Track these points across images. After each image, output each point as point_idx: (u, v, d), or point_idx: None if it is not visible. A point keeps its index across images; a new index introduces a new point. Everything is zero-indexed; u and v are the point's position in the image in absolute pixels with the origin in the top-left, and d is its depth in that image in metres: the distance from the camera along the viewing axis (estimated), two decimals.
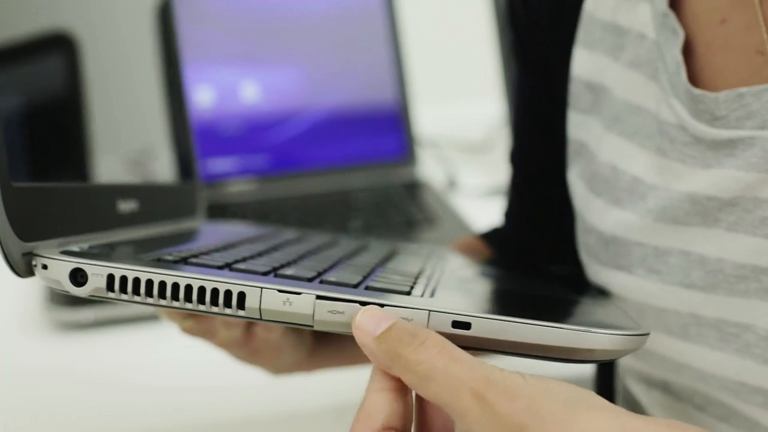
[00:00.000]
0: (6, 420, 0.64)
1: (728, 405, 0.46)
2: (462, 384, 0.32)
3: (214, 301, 0.37)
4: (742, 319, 0.44)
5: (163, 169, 0.56)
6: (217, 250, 0.44)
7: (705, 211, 0.44)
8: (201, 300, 0.37)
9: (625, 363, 0.57)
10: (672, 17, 0.46)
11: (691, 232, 0.45)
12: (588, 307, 0.45)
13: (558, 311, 0.43)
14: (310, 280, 0.38)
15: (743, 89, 0.43)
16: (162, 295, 0.37)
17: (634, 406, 0.56)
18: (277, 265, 0.41)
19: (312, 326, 0.37)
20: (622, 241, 0.49)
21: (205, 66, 1.02)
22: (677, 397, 0.50)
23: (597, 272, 0.52)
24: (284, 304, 0.37)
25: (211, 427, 0.66)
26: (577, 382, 0.65)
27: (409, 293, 0.38)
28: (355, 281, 0.39)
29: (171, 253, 0.40)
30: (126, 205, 0.47)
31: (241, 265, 0.39)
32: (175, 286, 0.37)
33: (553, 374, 0.34)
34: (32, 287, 0.81)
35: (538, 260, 0.62)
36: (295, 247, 0.50)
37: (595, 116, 0.52)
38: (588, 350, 0.35)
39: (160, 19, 0.57)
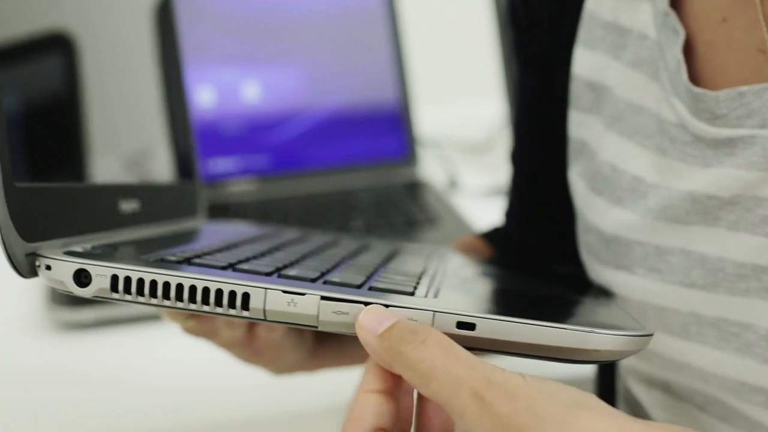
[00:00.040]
0: (7, 419, 0.64)
1: (729, 405, 0.46)
2: (462, 383, 0.32)
3: (218, 302, 0.37)
4: (743, 318, 0.44)
5: (163, 169, 0.56)
6: (219, 250, 0.44)
7: (705, 210, 0.44)
8: (205, 301, 0.37)
9: (626, 363, 0.57)
10: (673, 16, 0.46)
11: (691, 231, 0.45)
12: (592, 308, 0.45)
13: (562, 312, 0.43)
14: (313, 280, 0.38)
15: (744, 88, 0.43)
16: (166, 295, 0.37)
17: (635, 407, 0.56)
18: (280, 265, 0.41)
19: (316, 327, 0.37)
20: (623, 240, 0.49)
21: (206, 66, 1.02)
22: (678, 396, 0.50)
23: (597, 271, 0.52)
24: (288, 304, 0.36)
25: (212, 428, 0.66)
26: (579, 382, 0.65)
27: (412, 294, 0.38)
28: (358, 282, 0.39)
29: (174, 254, 0.40)
30: (128, 205, 0.47)
31: (245, 266, 0.39)
32: (179, 286, 0.37)
33: (554, 374, 0.34)
34: (33, 287, 0.81)
35: (539, 260, 0.62)
36: (297, 246, 0.50)
37: (596, 115, 0.52)
38: (592, 351, 0.35)
39: (158, 19, 0.57)
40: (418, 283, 0.41)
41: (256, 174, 1.03)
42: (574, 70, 0.53)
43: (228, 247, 0.45)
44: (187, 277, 0.37)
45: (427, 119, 1.19)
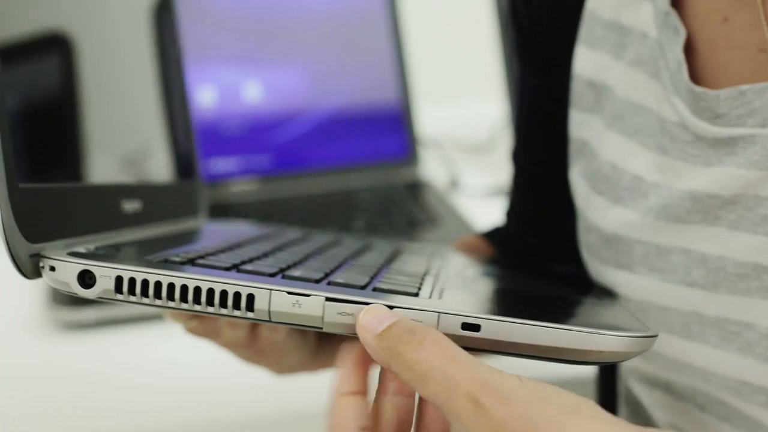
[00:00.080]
0: (8, 419, 0.64)
1: (730, 404, 0.46)
2: (458, 386, 0.32)
3: (223, 303, 0.37)
4: (744, 318, 0.44)
5: (163, 168, 0.56)
6: (222, 250, 0.44)
7: (706, 209, 0.44)
8: (209, 302, 0.37)
9: (626, 363, 0.56)
10: (674, 16, 0.46)
11: (692, 230, 0.45)
12: (595, 309, 0.45)
13: (565, 313, 0.43)
14: (317, 281, 0.38)
15: (745, 87, 0.43)
16: (170, 297, 0.37)
17: (636, 407, 0.56)
18: (283, 266, 0.40)
19: (321, 328, 0.37)
20: (624, 239, 0.49)
21: (207, 66, 1.02)
22: (679, 396, 0.50)
23: (598, 271, 0.52)
24: (293, 306, 0.36)
25: (213, 428, 0.66)
26: (580, 382, 0.65)
27: (417, 294, 0.38)
28: (362, 282, 0.39)
29: (178, 254, 0.40)
30: (130, 205, 0.47)
31: (249, 266, 0.39)
32: (184, 287, 0.37)
33: (555, 375, 0.34)
34: (34, 287, 0.81)
35: (540, 259, 0.62)
36: (300, 246, 0.50)
37: (597, 115, 0.52)
38: (597, 352, 0.35)
39: (157, 19, 0.57)
40: (421, 284, 0.41)
41: (257, 174, 1.03)
42: (575, 70, 0.53)
43: (231, 248, 0.45)
44: (191, 278, 0.37)
45: (428, 119, 1.19)
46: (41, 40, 0.42)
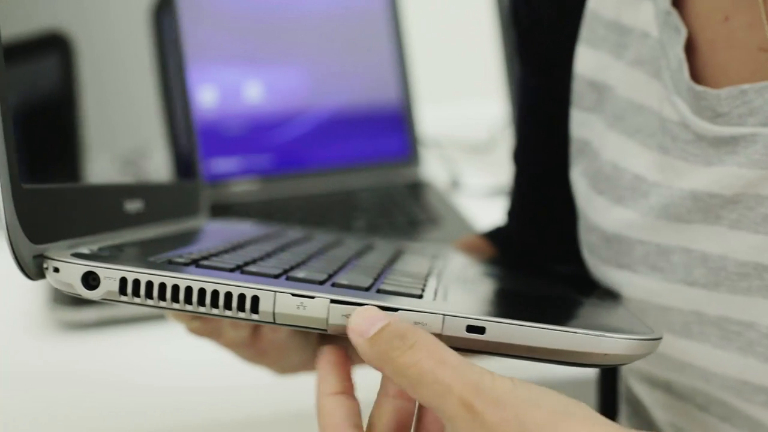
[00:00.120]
0: (8, 419, 0.64)
1: (730, 404, 0.46)
2: (450, 390, 0.32)
3: (227, 305, 0.37)
4: (745, 317, 0.43)
5: (163, 168, 0.56)
6: (226, 251, 0.44)
7: (707, 208, 0.44)
8: (214, 304, 0.37)
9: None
10: (675, 15, 0.46)
11: (693, 229, 0.45)
12: (599, 311, 0.45)
13: (570, 315, 0.43)
14: (321, 282, 0.38)
15: (746, 86, 0.42)
16: (174, 298, 0.37)
17: (636, 407, 0.56)
18: (287, 267, 0.40)
19: (326, 330, 0.36)
20: (625, 239, 0.49)
21: (208, 66, 1.02)
22: (679, 396, 0.50)
23: (599, 271, 0.52)
24: (298, 308, 0.36)
25: (214, 428, 0.66)
26: (581, 383, 0.65)
27: (421, 296, 0.38)
28: (366, 284, 0.38)
29: (181, 255, 0.40)
30: (132, 205, 0.47)
31: (253, 268, 0.39)
32: (188, 289, 0.37)
33: (556, 375, 0.34)
34: (35, 286, 0.81)
35: (541, 259, 0.62)
36: (302, 246, 0.50)
37: (598, 114, 0.52)
38: (602, 355, 0.35)
39: (156, 18, 0.57)
40: (425, 285, 0.41)
41: (258, 174, 1.03)
42: (576, 70, 0.53)
43: (234, 248, 0.45)
44: (195, 280, 0.37)
45: (429, 119, 1.19)
46: (40, 40, 0.42)
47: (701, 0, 0.46)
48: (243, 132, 1.03)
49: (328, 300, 0.36)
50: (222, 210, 0.95)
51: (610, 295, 0.50)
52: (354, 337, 0.35)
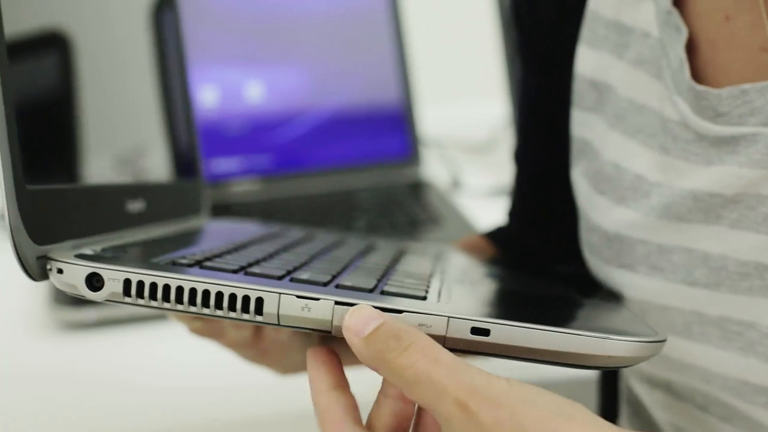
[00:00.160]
0: (8, 419, 0.64)
1: (730, 405, 0.46)
2: (445, 391, 0.32)
3: (232, 307, 0.36)
4: (746, 317, 0.43)
5: (164, 168, 0.56)
6: (229, 251, 0.43)
7: (708, 208, 0.44)
8: (218, 305, 0.36)
9: None
10: (676, 15, 0.46)
11: (694, 229, 0.45)
12: (602, 312, 0.44)
13: (573, 316, 0.43)
14: (325, 284, 0.38)
15: (747, 86, 0.42)
16: (179, 299, 0.36)
17: (637, 407, 0.56)
18: (290, 268, 0.40)
19: (330, 332, 0.36)
20: (626, 239, 0.49)
21: (209, 66, 1.02)
22: (679, 397, 0.50)
23: (600, 271, 0.52)
24: (302, 309, 0.36)
25: (214, 428, 0.66)
26: (581, 383, 0.65)
27: (425, 298, 0.38)
28: (370, 285, 0.38)
29: (185, 256, 0.40)
30: (134, 205, 0.47)
31: (256, 269, 0.39)
32: (192, 291, 0.36)
33: (557, 375, 0.34)
34: (36, 286, 0.81)
35: (542, 259, 0.62)
36: (305, 246, 0.50)
37: (599, 114, 0.52)
38: (606, 357, 0.35)
39: (156, 18, 0.57)
40: (429, 286, 0.41)
41: (258, 174, 1.03)
42: (577, 69, 0.53)
43: (237, 248, 0.45)
44: (199, 282, 0.36)
45: (430, 119, 1.19)
46: (39, 40, 0.42)
47: (702, 0, 0.46)
48: (244, 132, 1.03)
49: (333, 302, 0.36)
50: (222, 210, 0.95)
51: (613, 297, 0.50)
52: (350, 336, 0.35)
